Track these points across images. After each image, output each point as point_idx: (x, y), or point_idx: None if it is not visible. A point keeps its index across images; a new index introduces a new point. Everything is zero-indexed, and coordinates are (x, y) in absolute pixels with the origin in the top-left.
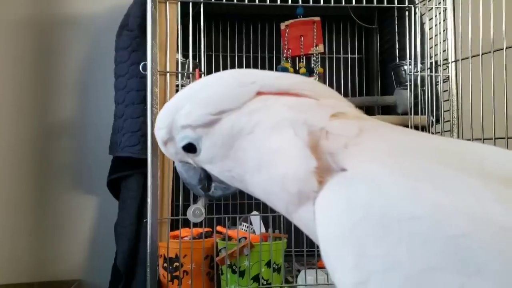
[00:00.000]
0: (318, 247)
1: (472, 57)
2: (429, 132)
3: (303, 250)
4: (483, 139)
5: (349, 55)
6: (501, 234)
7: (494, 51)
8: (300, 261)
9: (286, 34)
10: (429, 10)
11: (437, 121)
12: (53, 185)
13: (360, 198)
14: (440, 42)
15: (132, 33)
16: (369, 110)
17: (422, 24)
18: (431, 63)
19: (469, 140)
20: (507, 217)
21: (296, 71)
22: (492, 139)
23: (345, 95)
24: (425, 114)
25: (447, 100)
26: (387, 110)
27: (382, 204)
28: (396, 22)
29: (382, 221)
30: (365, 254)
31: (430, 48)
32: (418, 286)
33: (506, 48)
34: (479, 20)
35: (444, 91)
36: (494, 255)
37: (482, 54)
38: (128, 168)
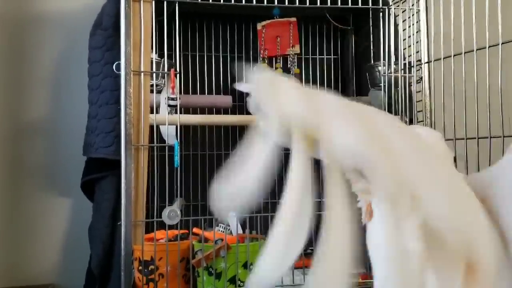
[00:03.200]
0: None
1: (444, 58)
2: None
3: None
4: (455, 139)
5: (325, 56)
6: None
7: (465, 52)
8: None
9: (263, 35)
10: (402, 12)
11: (411, 121)
12: (25, 186)
13: None
14: (413, 44)
15: (106, 32)
16: None
17: (396, 26)
18: (404, 64)
19: None
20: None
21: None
22: (463, 139)
23: None
24: (399, 115)
25: (420, 100)
26: None
27: None
28: (370, 23)
29: None
30: None
31: (404, 49)
32: None
33: (477, 49)
34: (451, 22)
35: (418, 92)
36: None
37: (454, 55)
38: (102, 170)
